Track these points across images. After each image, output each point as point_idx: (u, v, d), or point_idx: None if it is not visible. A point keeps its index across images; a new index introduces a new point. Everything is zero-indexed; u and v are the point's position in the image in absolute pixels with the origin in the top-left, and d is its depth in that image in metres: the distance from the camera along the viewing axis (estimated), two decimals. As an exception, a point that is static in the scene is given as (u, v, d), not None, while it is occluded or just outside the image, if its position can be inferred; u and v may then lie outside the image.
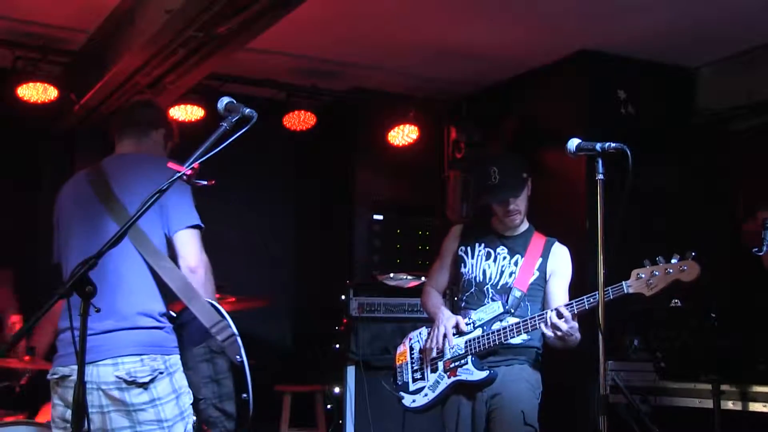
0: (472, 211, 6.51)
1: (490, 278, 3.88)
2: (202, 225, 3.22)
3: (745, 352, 4.18)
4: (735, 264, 5.00)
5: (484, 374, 3.74)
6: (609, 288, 3.40)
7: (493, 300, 3.83)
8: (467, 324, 3.81)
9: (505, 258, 3.89)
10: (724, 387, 4.07)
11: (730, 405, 4.08)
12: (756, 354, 4.15)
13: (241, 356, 3.04)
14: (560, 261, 3.91)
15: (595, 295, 3.36)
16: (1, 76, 5.87)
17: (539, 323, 3.61)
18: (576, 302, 3.53)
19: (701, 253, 3.33)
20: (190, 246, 3.16)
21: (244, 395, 3.07)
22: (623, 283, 3.41)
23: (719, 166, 5.77)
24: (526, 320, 3.66)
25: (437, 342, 3.81)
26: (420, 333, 4.04)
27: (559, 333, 3.53)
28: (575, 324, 3.55)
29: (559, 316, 3.51)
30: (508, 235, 3.95)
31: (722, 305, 4.41)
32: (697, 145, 5.85)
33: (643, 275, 3.39)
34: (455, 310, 3.98)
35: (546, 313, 3.59)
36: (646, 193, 5.06)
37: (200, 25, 4.52)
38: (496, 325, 3.76)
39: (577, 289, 3.84)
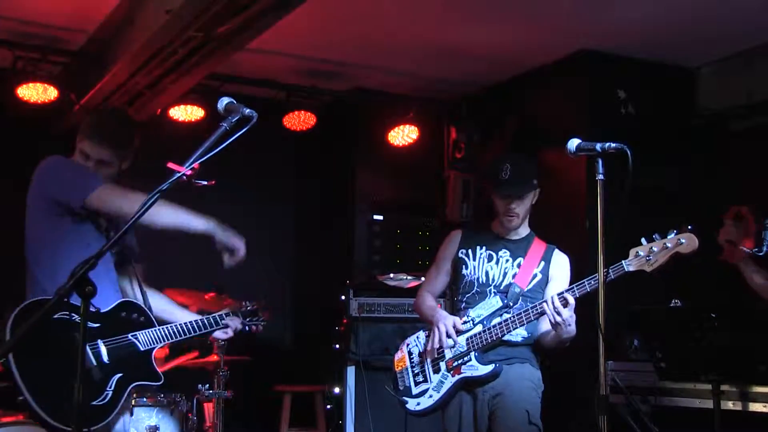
0: (473, 210, 6.52)
1: (493, 279, 3.88)
2: None
3: (745, 353, 4.17)
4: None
5: (489, 368, 3.72)
6: (609, 268, 3.40)
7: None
8: (465, 322, 3.79)
9: (507, 260, 3.90)
10: (724, 387, 4.06)
11: (730, 405, 4.07)
12: (756, 354, 4.14)
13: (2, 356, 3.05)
14: (561, 268, 3.91)
15: (596, 276, 3.36)
16: (1, 76, 5.88)
17: (540, 308, 3.59)
18: (577, 285, 3.53)
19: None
20: None
21: (20, 397, 3.06)
22: (623, 261, 3.42)
23: (719, 165, 5.76)
24: (528, 309, 3.65)
25: (441, 340, 3.79)
26: (417, 337, 4.00)
27: (559, 319, 3.51)
28: (573, 315, 3.55)
29: (565, 303, 3.51)
30: (509, 238, 3.95)
31: (722, 305, 4.41)
32: (697, 144, 5.85)
33: (641, 252, 3.41)
34: (455, 311, 3.96)
35: (547, 300, 3.58)
36: (646, 193, 5.06)
37: (200, 26, 4.52)
38: (497, 320, 3.75)
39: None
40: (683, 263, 3.39)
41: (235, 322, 3.75)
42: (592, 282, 3.48)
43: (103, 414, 3.23)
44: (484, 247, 3.95)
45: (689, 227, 3.35)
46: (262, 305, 3.92)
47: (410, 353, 3.98)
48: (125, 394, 3.32)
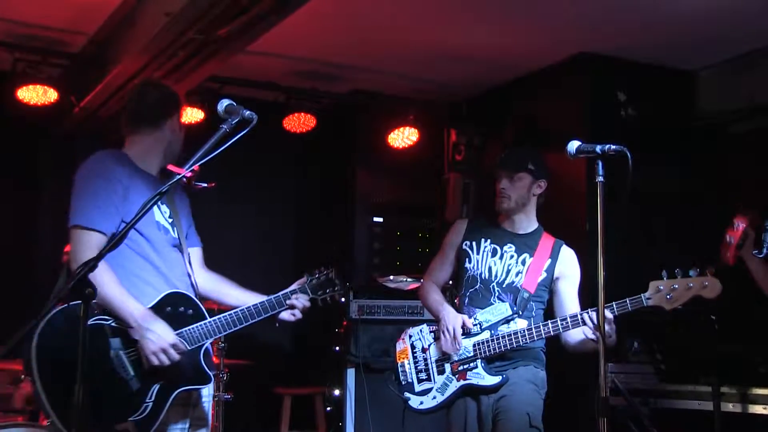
0: (473, 212, 6.52)
1: (497, 276, 3.83)
2: (77, 222, 3.03)
3: (745, 355, 4.18)
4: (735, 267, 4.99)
5: (497, 379, 3.68)
6: (627, 299, 3.34)
7: (499, 299, 3.77)
8: (474, 325, 3.76)
9: (512, 256, 3.85)
10: (724, 389, 4.06)
11: (730, 407, 4.07)
12: (756, 356, 4.14)
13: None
14: (569, 264, 3.87)
15: (634, 299, 3.32)
16: (1, 79, 5.88)
17: (572, 325, 3.53)
18: (617, 304, 3.40)
19: (707, 261, 3.31)
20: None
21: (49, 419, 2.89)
22: (642, 295, 3.34)
23: (719, 168, 5.76)
24: (539, 326, 3.60)
25: (448, 347, 3.74)
26: (421, 330, 3.94)
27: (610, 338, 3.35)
28: (614, 326, 3.38)
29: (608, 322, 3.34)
30: (516, 232, 3.92)
31: (723, 308, 4.41)
32: (697, 147, 5.85)
33: (662, 287, 3.30)
34: (457, 306, 3.93)
35: (581, 314, 3.49)
36: (647, 195, 5.06)
37: (200, 28, 4.52)
38: (504, 328, 3.71)
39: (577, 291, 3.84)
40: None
41: (301, 301, 3.34)
42: (633, 303, 3.36)
43: (143, 429, 3.00)
44: (488, 240, 3.90)
45: (713, 269, 3.25)
46: (330, 270, 3.44)
47: (413, 346, 3.92)
48: (168, 404, 3.06)
